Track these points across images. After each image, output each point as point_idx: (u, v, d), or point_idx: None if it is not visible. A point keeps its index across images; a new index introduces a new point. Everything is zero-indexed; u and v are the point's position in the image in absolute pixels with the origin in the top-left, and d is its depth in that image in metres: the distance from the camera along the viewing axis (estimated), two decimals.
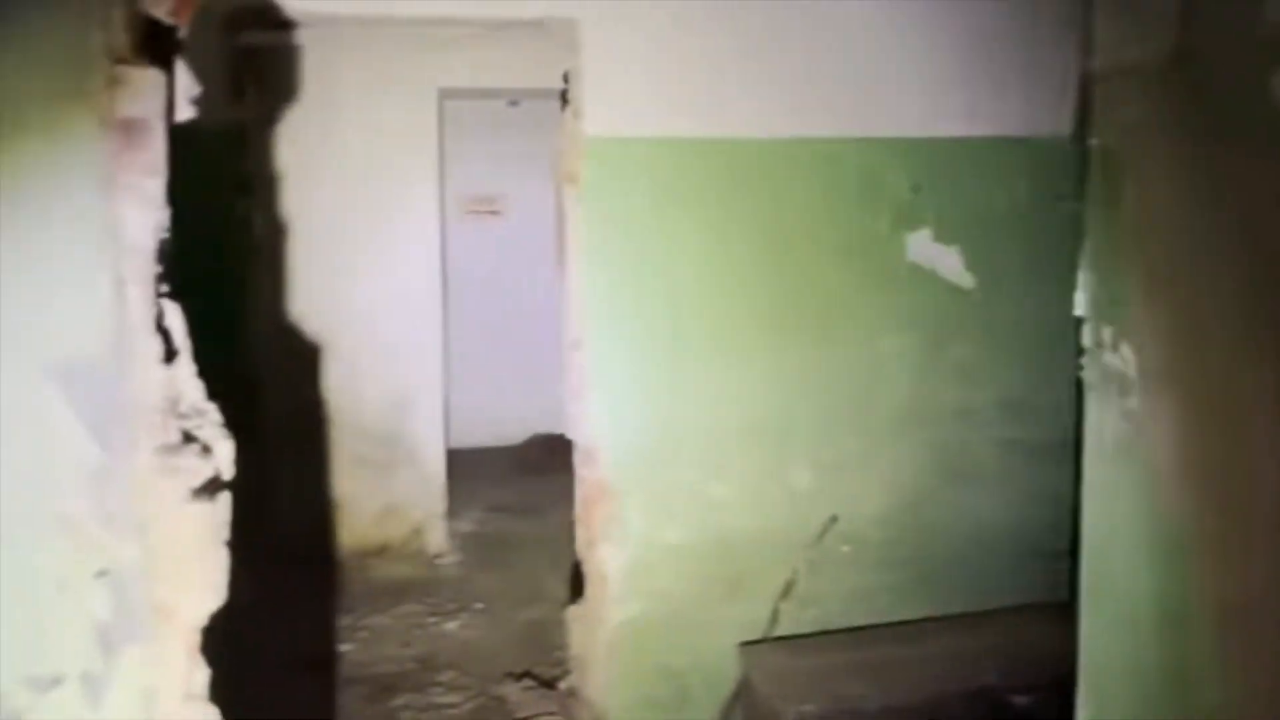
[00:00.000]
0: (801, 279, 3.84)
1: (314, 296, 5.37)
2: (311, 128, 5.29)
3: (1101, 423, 1.84)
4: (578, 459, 3.87)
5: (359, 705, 4.13)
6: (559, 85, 3.84)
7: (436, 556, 5.51)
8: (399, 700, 4.17)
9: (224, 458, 1.19)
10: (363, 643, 4.65)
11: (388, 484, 5.47)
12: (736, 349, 3.82)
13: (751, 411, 3.84)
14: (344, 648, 4.59)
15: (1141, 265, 1.73)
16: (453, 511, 5.72)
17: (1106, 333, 1.81)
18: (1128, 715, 1.83)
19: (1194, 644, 1.65)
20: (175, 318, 1.17)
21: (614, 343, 3.75)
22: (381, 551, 5.42)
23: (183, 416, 1.17)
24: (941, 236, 3.92)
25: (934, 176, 3.88)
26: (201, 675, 1.20)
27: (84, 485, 1.14)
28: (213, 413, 1.21)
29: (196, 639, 1.19)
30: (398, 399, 5.48)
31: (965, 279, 3.96)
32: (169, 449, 1.15)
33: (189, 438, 1.17)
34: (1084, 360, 1.88)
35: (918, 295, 3.92)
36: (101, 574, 1.15)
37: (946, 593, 4.05)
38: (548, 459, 7.15)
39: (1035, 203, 3.94)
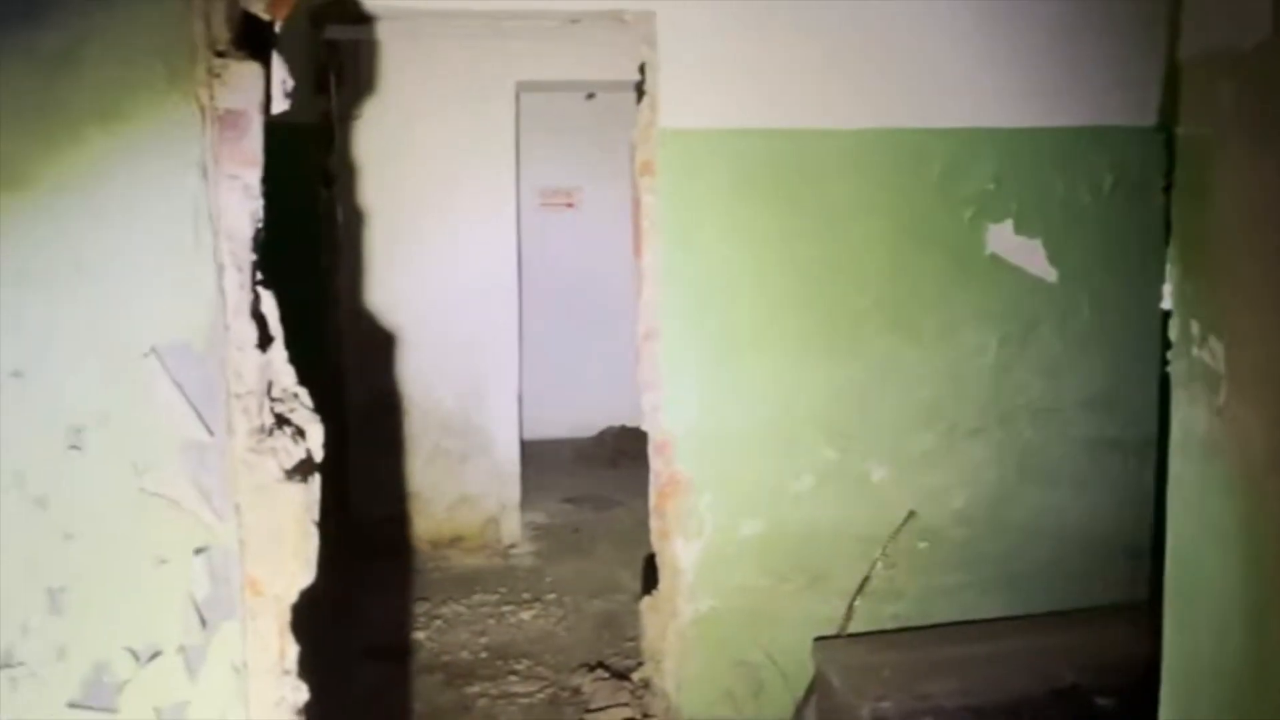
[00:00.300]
0: (880, 272, 3.81)
1: (392, 287, 5.45)
2: (391, 121, 5.36)
3: (1188, 419, 1.81)
4: (651, 451, 3.88)
5: (435, 692, 4.19)
6: (635, 77, 3.85)
7: (510, 547, 5.57)
8: (474, 688, 4.22)
9: (315, 440, 1.23)
10: (438, 631, 4.71)
11: (462, 475, 5.54)
12: (813, 342, 3.80)
13: (828, 405, 3.82)
14: (419, 636, 4.66)
15: (1231, 256, 1.69)
16: (526, 503, 5.77)
17: (1194, 326, 1.77)
18: (1212, 717, 1.79)
19: None
20: (270, 305, 1.21)
21: (689, 334, 3.75)
22: (456, 542, 5.49)
23: (276, 400, 1.21)
24: (1024, 228, 3.86)
25: (1016, 167, 3.82)
26: (292, 651, 1.24)
27: (185, 464, 1.18)
28: (305, 397, 1.24)
29: (288, 616, 1.23)
30: (473, 390, 5.54)
31: (1048, 272, 3.89)
32: (264, 431, 1.19)
33: (282, 421, 1.21)
34: (1170, 355, 1.84)
35: (999, 289, 3.87)
36: (200, 551, 1.19)
37: (1027, 591, 3.99)
38: (621, 451, 7.20)
39: (1120, 193, 3.86)
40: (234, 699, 1.21)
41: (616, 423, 7.54)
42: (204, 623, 1.20)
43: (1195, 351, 1.77)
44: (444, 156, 5.43)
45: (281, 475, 1.18)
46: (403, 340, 5.46)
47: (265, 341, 1.22)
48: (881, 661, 3.75)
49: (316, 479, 1.23)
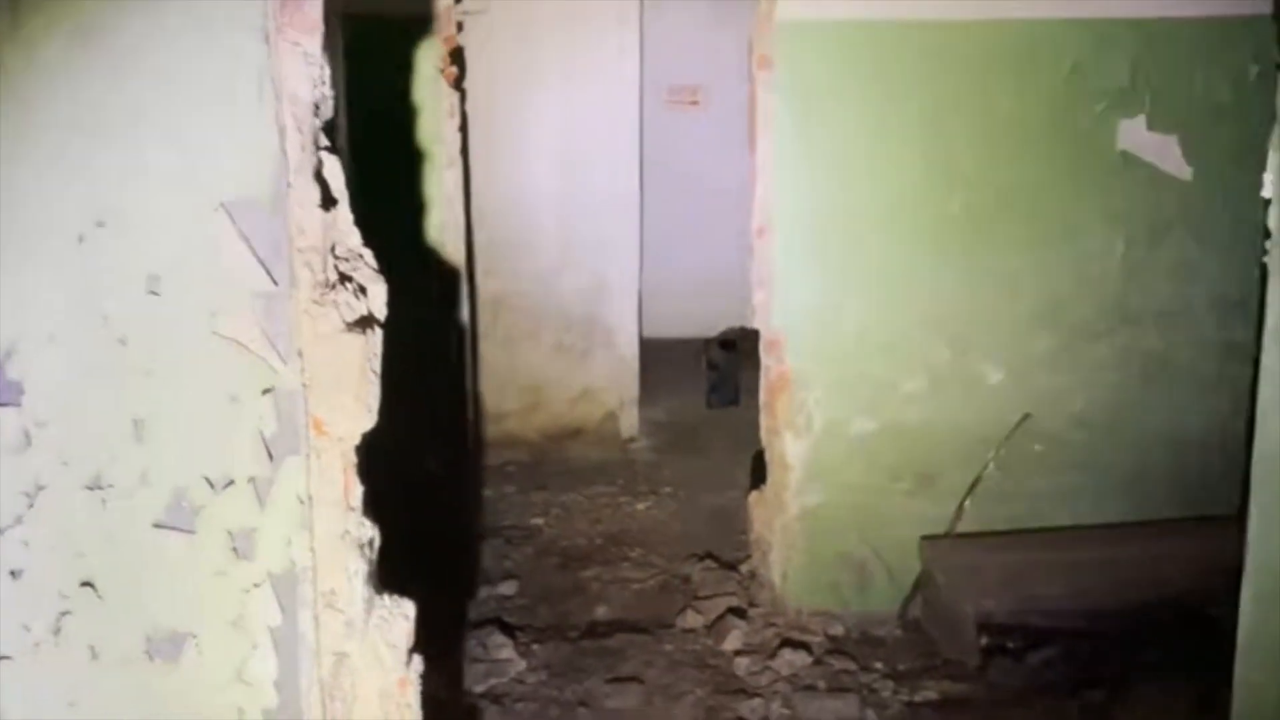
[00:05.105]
0: (1003, 169, 3.72)
1: (515, 184, 5.51)
2: (513, 18, 5.38)
3: None
4: (762, 348, 3.91)
5: (550, 574, 4.37)
6: None
7: (629, 441, 5.69)
8: (589, 572, 4.38)
9: (377, 298, 1.31)
10: (556, 518, 4.88)
11: (583, 369, 5.64)
12: (930, 240, 3.75)
13: (943, 305, 3.78)
14: (538, 522, 4.84)
15: None
16: (646, 399, 5.87)
17: None
18: None
19: None
20: (334, 169, 1.29)
21: (802, 231, 3.75)
22: (576, 434, 5.64)
23: (341, 259, 1.30)
24: (1157, 124, 3.70)
25: (1152, 60, 3.65)
26: (358, 490, 1.34)
27: (253, 311, 1.29)
28: (369, 258, 1.33)
29: (354, 458, 1.33)
30: (594, 286, 5.61)
31: (1183, 170, 3.73)
32: (326, 285, 1.28)
33: (346, 278, 1.30)
34: (1268, 245, 1.78)
35: (1129, 187, 3.74)
36: (267, 391, 1.30)
37: (1147, 498, 3.92)
38: (745, 352, 7.22)
39: (1265, 87, 3.65)
40: (298, 527, 1.33)
41: (738, 324, 7.55)
42: (271, 457, 1.32)
43: None
44: (566, 52, 5.44)
45: (343, 326, 1.28)
46: (526, 236, 5.55)
47: (331, 204, 1.30)
48: (989, 562, 3.75)
49: (378, 333, 1.32)
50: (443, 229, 3.92)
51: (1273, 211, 1.76)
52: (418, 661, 1.40)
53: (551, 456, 5.53)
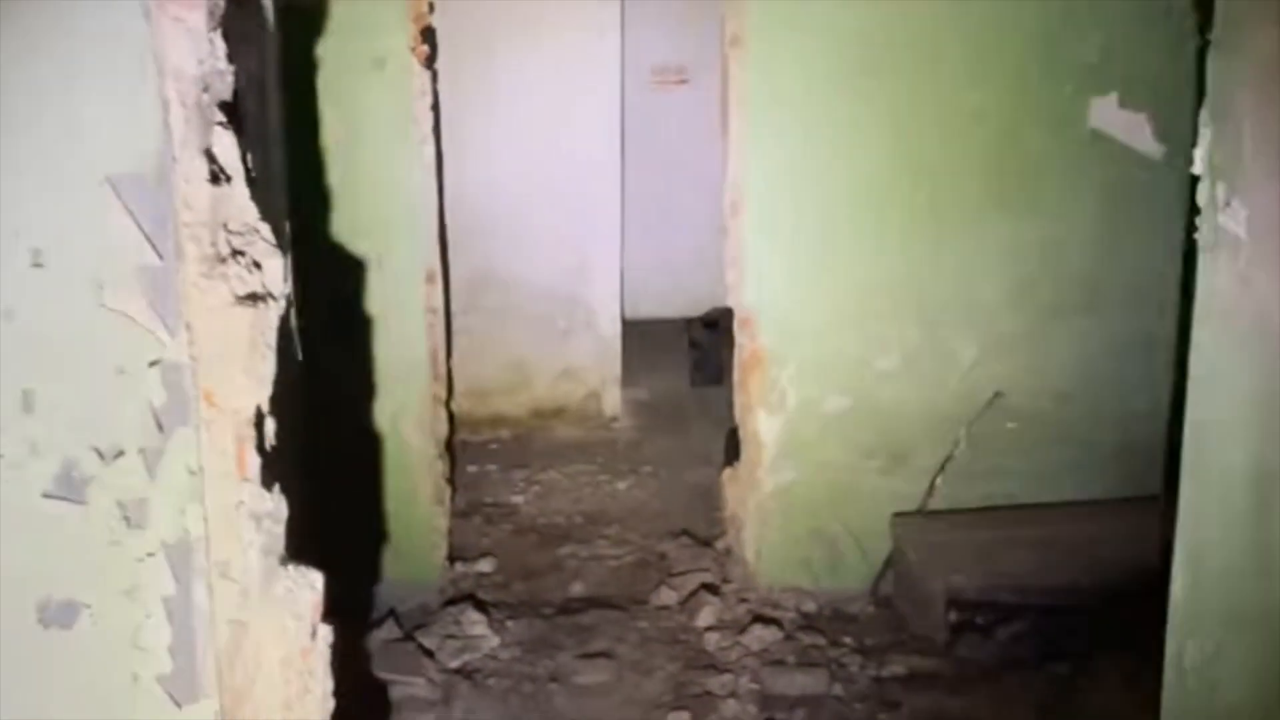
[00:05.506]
0: (974, 148, 3.72)
1: (496, 165, 5.48)
2: None
3: (1211, 285, 1.76)
4: (736, 326, 3.93)
5: (528, 551, 4.39)
6: None
7: (612, 420, 5.69)
8: (565, 549, 4.40)
9: (272, 273, 1.32)
10: (535, 496, 4.89)
11: (565, 349, 5.63)
12: (902, 218, 3.75)
13: (916, 282, 3.79)
14: (517, 499, 4.85)
15: (1258, 115, 1.61)
16: (630, 379, 5.86)
17: (1221, 190, 1.71)
18: (1221, 581, 1.77)
19: None
20: (225, 144, 1.30)
21: (774, 209, 3.76)
22: (558, 413, 5.64)
23: (234, 233, 1.31)
24: (1129, 102, 3.69)
25: (1124, 37, 3.63)
26: (254, 461, 1.36)
27: (139, 284, 1.30)
28: (265, 232, 1.34)
29: (250, 430, 1.35)
30: (576, 267, 5.59)
31: (1154, 148, 3.72)
32: (216, 259, 1.29)
33: (240, 253, 1.31)
34: (1198, 220, 1.78)
35: (1101, 166, 3.73)
36: (154, 363, 1.31)
37: (1116, 475, 3.93)
38: (729, 330, 7.19)
39: None
40: (190, 498, 1.35)
41: (721, 304, 7.50)
42: (161, 428, 1.34)
43: (1220, 216, 1.71)
44: (545, 28, 5.38)
45: (233, 300, 1.29)
46: (507, 217, 5.51)
47: (223, 179, 1.31)
48: (960, 539, 3.77)
49: (273, 308, 1.33)
50: (414, 209, 3.90)
51: (1201, 188, 1.76)
52: (326, 631, 1.43)
53: (534, 435, 5.54)
